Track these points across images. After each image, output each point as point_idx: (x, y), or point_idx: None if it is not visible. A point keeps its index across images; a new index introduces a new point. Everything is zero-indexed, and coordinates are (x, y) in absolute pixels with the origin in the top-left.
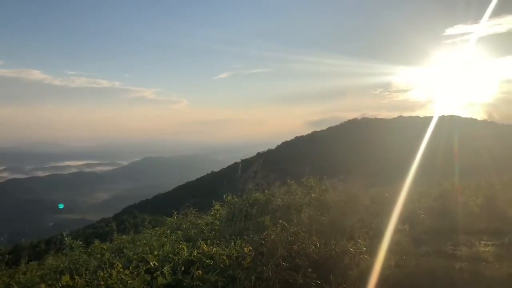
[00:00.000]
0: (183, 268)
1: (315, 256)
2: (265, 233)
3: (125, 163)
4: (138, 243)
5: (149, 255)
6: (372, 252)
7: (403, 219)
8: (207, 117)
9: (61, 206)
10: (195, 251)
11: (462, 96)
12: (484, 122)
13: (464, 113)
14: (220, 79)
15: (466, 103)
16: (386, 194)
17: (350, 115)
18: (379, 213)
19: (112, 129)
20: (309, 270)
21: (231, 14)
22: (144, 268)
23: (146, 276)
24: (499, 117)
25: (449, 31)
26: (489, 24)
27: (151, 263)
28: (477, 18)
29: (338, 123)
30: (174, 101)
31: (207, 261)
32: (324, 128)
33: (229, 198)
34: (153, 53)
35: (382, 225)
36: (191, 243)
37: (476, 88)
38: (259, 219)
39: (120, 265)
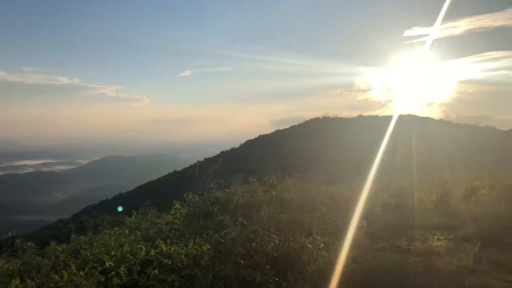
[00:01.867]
0: (139, 268)
1: (273, 253)
2: (224, 231)
3: (84, 162)
4: (95, 244)
5: (105, 255)
6: (330, 248)
7: (361, 216)
8: (169, 115)
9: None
10: (152, 251)
11: (420, 96)
12: (440, 121)
13: (421, 113)
14: (183, 77)
15: (424, 103)
16: (346, 192)
17: (313, 114)
18: (338, 210)
19: (71, 127)
20: (267, 267)
21: (194, 12)
22: (99, 268)
23: (100, 276)
24: (455, 116)
25: (407, 32)
26: (445, 27)
27: (106, 263)
28: (432, 21)
29: (301, 122)
30: (135, 99)
31: (165, 261)
32: (288, 127)
33: (190, 197)
34: (115, 50)
35: (341, 222)
36: (150, 243)
37: (433, 89)
38: (219, 218)
39: (74, 267)
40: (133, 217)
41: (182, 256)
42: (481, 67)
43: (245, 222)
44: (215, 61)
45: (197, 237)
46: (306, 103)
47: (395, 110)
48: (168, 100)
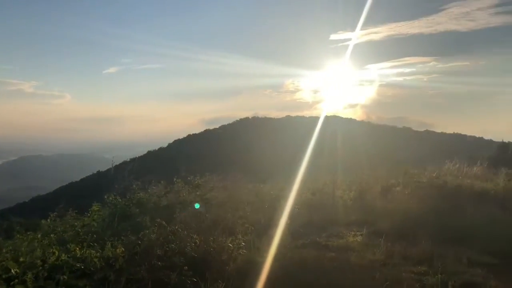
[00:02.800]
0: (46, 274)
1: (193, 253)
2: (142, 233)
3: None
4: (4, 250)
5: (11, 262)
6: (251, 246)
7: (284, 214)
8: (94, 113)
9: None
10: (64, 255)
11: (345, 98)
12: (362, 122)
13: (345, 114)
14: (108, 73)
15: (347, 105)
16: (272, 191)
17: (243, 114)
18: (263, 209)
19: None
20: (185, 268)
21: (119, 8)
22: (4, 276)
23: (3, 285)
24: (375, 117)
25: (333, 36)
26: (367, 32)
27: (12, 270)
28: (355, 26)
29: (231, 122)
30: (56, 96)
31: (77, 265)
32: (217, 126)
33: (110, 198)
34: (32, 43)
35: (264, 220)
36: (65, 247)
37: (356, 91)
38: (138, 219)
39: None
40: (49, 220)
41: (96, 260)
42: (399, 71)
43: (164, 223)
44: (144, 58)
45: (116, 240)
46: (237, 103)
47: (321, 111)
48: (93, 97)
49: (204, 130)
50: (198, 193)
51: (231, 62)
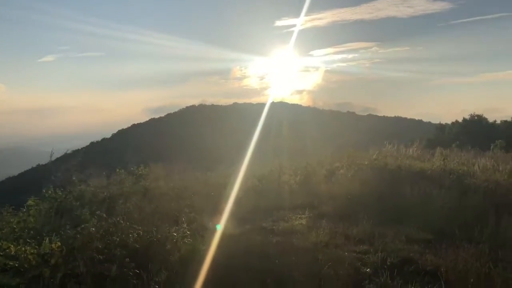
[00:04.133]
0: None
1: (135, 245)
2: (82, 226)
3: None
4: None
5: None
6: (196, 235)
7: (230, 201)
8: (31, 104)
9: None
10: None
11: (291, 84)
12: (308, 108)
13: (292, 100)
14: (45, 62)
15: (294, 91)
16: (219, 178)
17: (191, 102)
18: (210, 197)
19: None
20: (127, 260)
21: None
22: None
23: None
24: (321, 103)
25: (278, 23)
26: (311, 18)
27: None
28: (299, 12)
29: (177, 110)
30: None
31: (11, 263)
32: (163, 115)
33: (49, 192)
34: None
35: (210, 208)
36: None
37: (303, 77)
38: (76, 213)
39: None
40: None
41: (30, 257)
42: (343, 57)
43: (105, 215)
44: (83, 46)
45: (55, 235)
46: (183, 90)
47: (268, 98)
48: (29, 87)
49: (150, 119)
50: (141, 183)
51: (177, 47)
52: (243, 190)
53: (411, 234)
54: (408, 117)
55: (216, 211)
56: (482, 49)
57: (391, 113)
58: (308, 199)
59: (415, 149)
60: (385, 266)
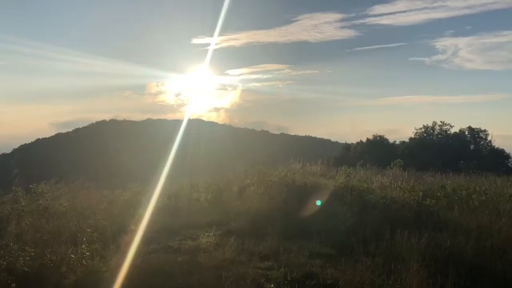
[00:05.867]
0: None
1: (25, 268)
2: None
3: None
4: None
5: None
6: (97, 256)
7: (137, 220)
8: None
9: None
10: None
11: (209, 101)
12: (224, 125)
13: (209, 117)
14: None
15: (212, 108)
16: (128, 196)
17: (102, 117)
18: (115, 216)
19: None
20: (13, 285)
21: None
22: None
23: None
24: (237, 121)
25: (195, 40)
26: (227, 38)
27: None
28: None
29: (86, 125)
30: None
31: None
32: (71, 130)
33: None
34: None
35: (115, 227)
36: None
37: (220, 95)
38: None
39: None
40: None
41: None
42: (257, 77)
43: None
44: None
45: None
46: (94, 105)
47: (184, 114)
48: None
49: (56, 134)
50: (40, 201)
51: (87, 62)
52: (153, 208)
53: (314, 249)
54: (318, 136)
55: (122, 231)
56: (383, 74)
57: (302, 132)
58: (219, 217)
59: (321, 166)
60: (287, 281)
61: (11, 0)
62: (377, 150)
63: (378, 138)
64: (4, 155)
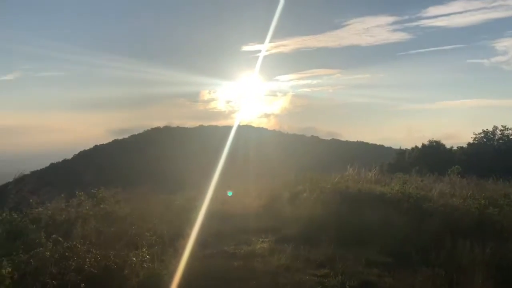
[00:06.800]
0: None
1: (92, 269)
2: (35, 250)
3: None
4: None
5: None
6: (156, 259)
7: (193, 225)
8: None
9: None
10: None
11: (259, 107)
12: (273, 131)
13: (258, 123)
14: (5, 80)
15: (262, 114)
16: (183, 201)
17: (156, 124)
18: (172, 220)
19: None
20: (82, 285)
21: (17, 10)
22: None
23: None
24: (287, 127)
25: (245, 48)
26: (276, 45)
27: None
28: (264, 39)
29: (141, 132)
30: None
31: None
32: (127, 136)
33: (4, 215)
34: None
35: (172, 232)
36: None
37: (269, 101)
38: (30, 236)
39: None
40: None
41: None
42: (307, 82)
43: (61, 238)
44: (44, 65)
45: (5, 260)
46: (148, 113)
47: (235, 121)
48: None
49: (113, 141)
50: (102, 206)
51: (141, 70)
52: (207, 213)
53: (370, 257)
54: (370, 141)
55: (179, 235)
56: (440, 77)
57: (353, 138)
58: (271, 222)
59: (375, 173)
60: None
61: (70, 13)
62: (433, 156)
63: (434, 144)
64: (65, 160)
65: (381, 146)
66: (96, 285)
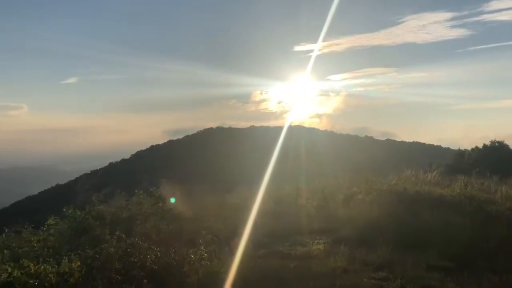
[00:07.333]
0: None
1: (153, 266)
2: (101, 246)
3: None
4: None
5: None
6: (213, 257)
7: (247, 223)
8: (53, 124)
9: (173, 200)
10: (16, 271)
11: (310, 107)
12: (325, 131)
13: (310, 123)
14: (68, 84)
15: (314, 114)
16: (236, 201)
17: (209, 124)
18: (226, 219)
19: None
20: (145, 281)
21: (78, 15)
22: None
23: None
24: (340, 127)
25: (297, 48)
26: (328, 44)
27: None
28: (317, 38)
29: (195, 132)
30: (12, 107)
31: (31, 281)
32: (181, 137)
33: (69, 211)
34: None
35: (227, 230)
36: (18, 263)
37: (321, 101)
38: (95, 232)
39: None
40: (3, 235)
41: (51, 276)
42: (360, 82)
43: (123, 235)
44: (104, 68)
45: (72, 254)
46: (200, 114)
47: (286, 121)
48: (51, 108)
49: (168, 141)
50: (160, 204)
51: (195, 72)
52: (260, 213)
53: (431, 261)
54: (427, 142)
55: (233, 233)
56: (502, 74)
57: (409, 138)
58: (326, 224)
59: (434, 174)
60: None
61: (128, 18)
62: (496, 158)
63: (496, 144)
64: (123, 160)
65: (438, 147)
66: (158, 281)
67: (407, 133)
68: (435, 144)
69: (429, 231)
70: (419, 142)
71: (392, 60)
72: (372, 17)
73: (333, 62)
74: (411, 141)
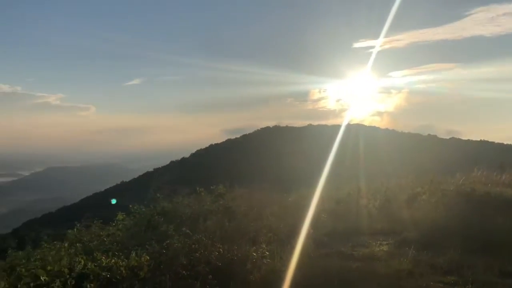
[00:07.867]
0: (73, 282)
1: (217, 262)
2: (167, 242)
3: (26, 173)
4: (33, 259)
5: (40, 270)
6: (274, 255)
7: (308, 223)
8: (118, 124)
9: (114, 201)
10: (90, 264)
11: (370, 105)
12: (386, 130)
13: (370, 121)
14: (132, 85)
15: (374, 112)
16: (295, 199)
17: (266, 124)
18: (286, 218)
19: (12, 137)
20: (210, 277)
21: (140, 18)
22: (32, 284)
23: None
24: (401, 125)
25: (356, 45)
26: (390, 39)
27: (41, 278)
28: (377, 34)
29: (252, 131)
30: (81, 108)
31: (103, 274)
32: (239, 136)
33: (135, 208)
34: (59, 56)
35: (288, 229)
36: (91, 256)
37: (381, 98)
38: (161, 228)
39: (4, 284)
40: (75, 229)
41: (122, 269)
42: (422, 78)
43: (189, 232)
44: (166, 69)
45: (140, 249)
46: (258, 113)
47: (344, 119)
48: (117, 109)
49: (226, 140)
50: (221, 202)
51: (253, 71)
52: (320, 212)
53: (504, 266)
54: (496, 140)
55: (293, 232)
56: None
57: (476, 137)
58: (388, 225)
59: (507, 175)
60: None
61: (189, 20)
62: None
63: None
64: (183, 159)
65: (509, 146)
66: (222, 278)
67: (473, 132)
68: (505, 143)
69: (501, 234)
70: (487, 141)
71: (457, 55)
72: (435, 11)
73: (394, 58)
74: (478, 139)
